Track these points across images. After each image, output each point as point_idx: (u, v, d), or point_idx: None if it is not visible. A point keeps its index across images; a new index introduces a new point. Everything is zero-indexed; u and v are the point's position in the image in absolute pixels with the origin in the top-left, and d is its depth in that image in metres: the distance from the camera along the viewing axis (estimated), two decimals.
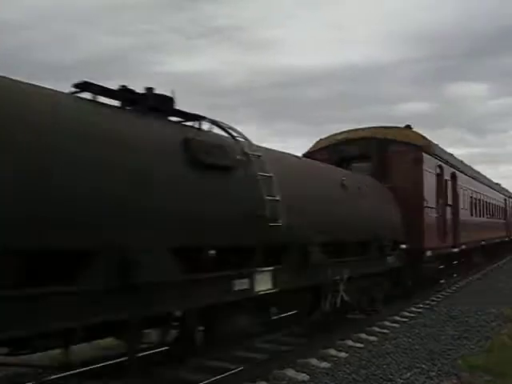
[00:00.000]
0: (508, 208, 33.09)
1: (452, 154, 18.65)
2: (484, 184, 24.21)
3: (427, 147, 13.42)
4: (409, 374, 6.68)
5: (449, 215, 15.22)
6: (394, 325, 10.15)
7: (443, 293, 14.67)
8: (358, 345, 8.43)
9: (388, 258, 10.64)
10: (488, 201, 24.62)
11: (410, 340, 8.64)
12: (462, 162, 20.02)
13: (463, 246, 16.81)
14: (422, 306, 12.34)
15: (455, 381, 6.45)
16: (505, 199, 32.04)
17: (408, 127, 13.96)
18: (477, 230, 20.10)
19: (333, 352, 7.90)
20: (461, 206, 17.16)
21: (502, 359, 7.29)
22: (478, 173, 24.56)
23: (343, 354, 7.78)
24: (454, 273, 17.89)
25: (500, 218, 29.04)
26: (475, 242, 19.51)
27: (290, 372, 6.77)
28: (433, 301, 13.12)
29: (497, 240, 26.23)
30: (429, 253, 12.57)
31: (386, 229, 10.51)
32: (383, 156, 12.63)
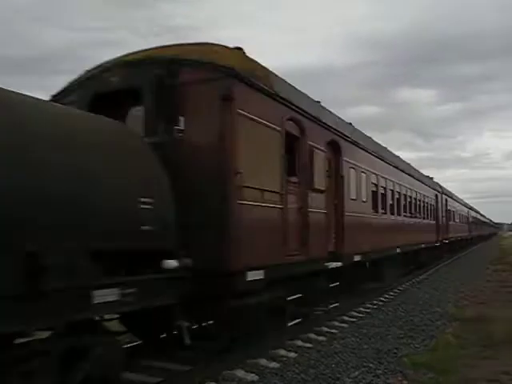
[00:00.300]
0: (440, 206, 27.55)
1: (343, 121, 12.08)
2: (404, 172, 18.65)
3: (251, 75, 7.24)
4: (357, 373, 6.80)
5: (320, 208, 9.53)
6: (343, 325, 10.29)
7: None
8: (307, 345, 8.52)
9: (97, 292, 4.76)
10: (410, 194, 19.25)
11: (357, 340, 8.80)
12: (360, 132, 13.54)
13: (356, 258, 11.42)
14: (370, 306, 12.58)
15: (400, 378, 6.62)
16: (436, 195, 26.50)
17: (239, 49, 7.55)
18: (387, 232, 14.95)
19: (282, 352, 7.95)
20: (350, 195, 11.36)
21: (445, 357, 7.52)
22: (397, 157, 18.93)
23: (292, 354, 7.85)
24: (327, 304, 11.20)
25: (429, 218, 23.80)
26: (383, 249, 14.06)
27: (240, 372, 6.78)
28: None
29: (422, 245, 21.05)
30: (253, 275, 6.91)
31: (76, 227, 4.72)
32: (166, 90, 6.92)
